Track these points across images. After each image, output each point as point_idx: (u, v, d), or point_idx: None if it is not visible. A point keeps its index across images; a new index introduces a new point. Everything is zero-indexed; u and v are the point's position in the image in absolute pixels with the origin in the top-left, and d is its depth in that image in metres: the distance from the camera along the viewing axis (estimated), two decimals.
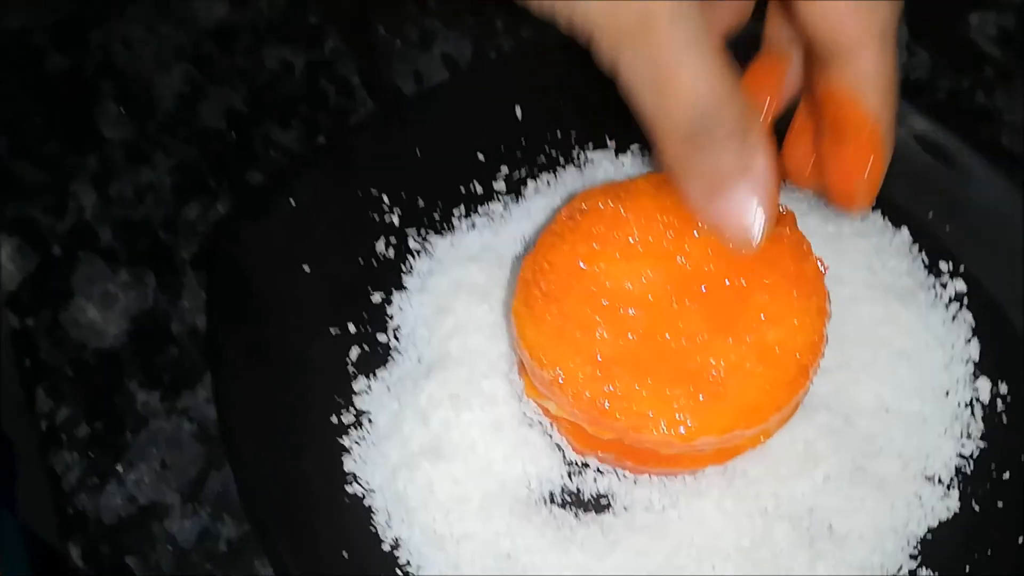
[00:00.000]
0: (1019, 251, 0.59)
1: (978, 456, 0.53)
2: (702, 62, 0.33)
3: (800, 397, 0.48)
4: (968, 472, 0.53)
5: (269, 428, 0.53)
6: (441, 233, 0.63)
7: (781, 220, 0.48)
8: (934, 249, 0.61)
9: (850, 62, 0.39)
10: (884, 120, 0.40)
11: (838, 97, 0.40)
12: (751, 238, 0.39)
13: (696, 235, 0.48)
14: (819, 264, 0.49)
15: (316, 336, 0.57)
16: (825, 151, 0.42)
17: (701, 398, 0.46)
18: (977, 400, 0.55)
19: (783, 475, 0.52)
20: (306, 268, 0.60)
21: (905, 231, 0.61)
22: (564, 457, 0.53)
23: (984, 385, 0.56)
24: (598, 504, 0.52)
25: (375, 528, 0.51)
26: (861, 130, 0.40)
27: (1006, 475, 0.53)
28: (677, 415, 0.45)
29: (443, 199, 0.64)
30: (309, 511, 0.51)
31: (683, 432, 0.45)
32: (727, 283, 0.48)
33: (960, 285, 0.59)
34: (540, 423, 0.54)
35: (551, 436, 0.54)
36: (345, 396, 0.55)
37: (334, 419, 0.54)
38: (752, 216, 0.38)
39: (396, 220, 0.63)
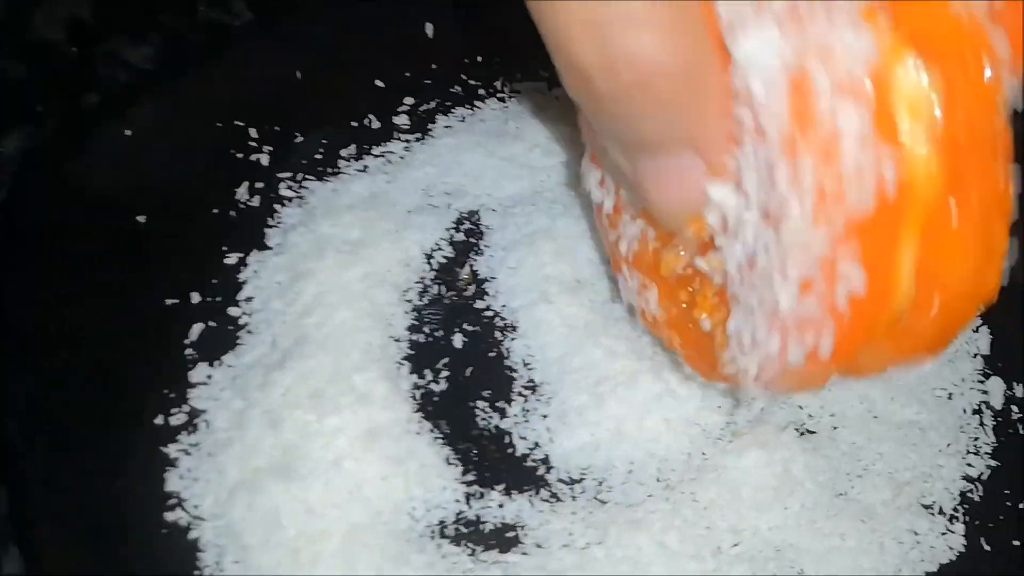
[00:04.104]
0: None
1: (988, 478, 0.44)
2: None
3: None
4: (976, 499, 0.43)
5: (66, 429, 0.41)
6: (323, 179, 0.51)
7: None
8: None
9: None
10: None
11: None
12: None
13: None
14: None
15: (147, 307, 0.46)
16: None
17: None
18: (987, 405, 0.46)
19: (744, 503, 0.41)
20: (141, 218, 0.48)
21: None
22: (463, 474, 0.41)
23: (995, 386, 0.46)
24: (503, 538, 0.41)
25: (199, 571, 0.39)
26: None
27: (1023, 504, 0.43)
28: None
29: (328, 136, 0.53)
30: (112, 546, 0.39)
31: None
32: None
33: None
34: (431, 429, 0.42)
35: (449, 446, 0.42)
36: (178, 389, 0.44)
37: (159, 419, 0.43)
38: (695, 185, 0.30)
39: (266, 160, 0.51)
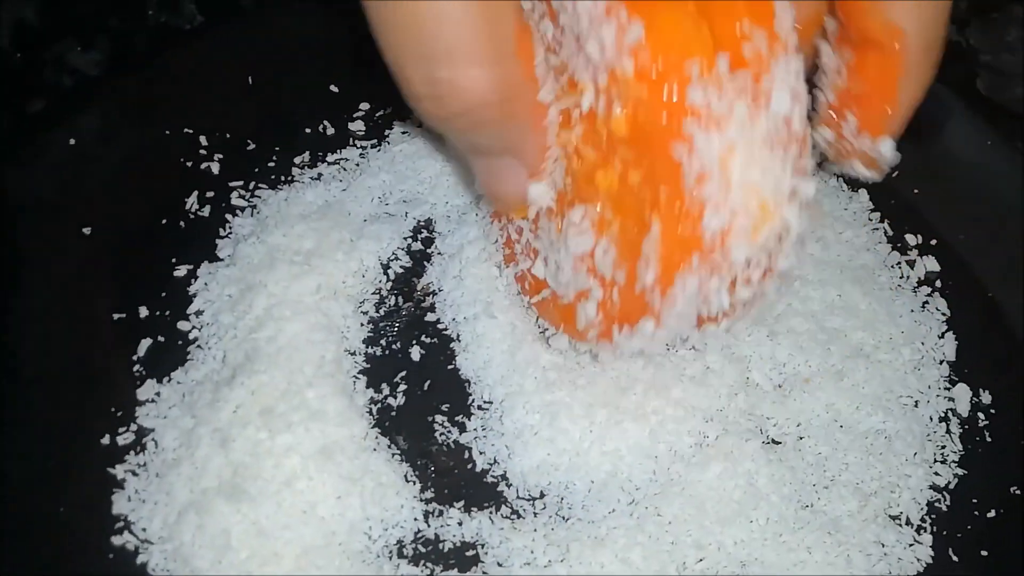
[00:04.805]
0: (1006, 218, 0.49)
1: (956, 487, 0.43)
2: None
3: None
4: (944, 509, 0.42)
5: (8, 449, 0.40)
6: (276, 187, 0.49)
7: None
8: (900, 217, 0.51)
9: None
10: (912, 32, 0.34)
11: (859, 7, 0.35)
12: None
13: None
14: None
15: (92, 323, 0.44)
16: (850, 71, 0.37)
17: None
18: (953, 413, 0.45)
19: (709, 517, 0.40)
20: (86, 230, 0.47)
21: (864, 194, 0.51)
22: (421, 492, 0.40)
23: (962, 393, 0.45)
24: (462, 557, 0.40)
25: None
26: (882, 43, 0.35)
27: (991, 513, 0.42)
28: None
29: (282, 143, 0.52)
30: (57, 572, 0.38)
31: None
32: None
33: (931, 263, 0.49)
34: (389, 445, 0.41)
35: (407, 463, 0.41)
36: (126, 407, 0.42)
37: (106, 439, 0.41)
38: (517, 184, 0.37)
39: (216, 168, 0.50)
